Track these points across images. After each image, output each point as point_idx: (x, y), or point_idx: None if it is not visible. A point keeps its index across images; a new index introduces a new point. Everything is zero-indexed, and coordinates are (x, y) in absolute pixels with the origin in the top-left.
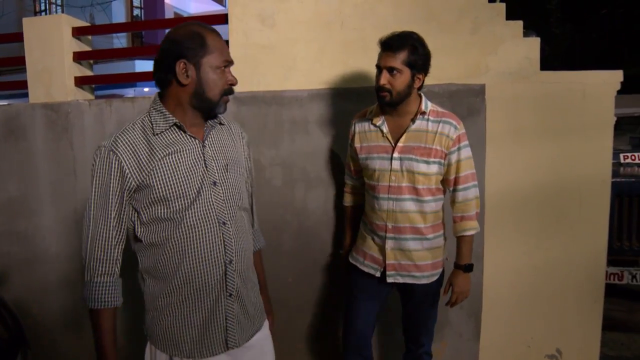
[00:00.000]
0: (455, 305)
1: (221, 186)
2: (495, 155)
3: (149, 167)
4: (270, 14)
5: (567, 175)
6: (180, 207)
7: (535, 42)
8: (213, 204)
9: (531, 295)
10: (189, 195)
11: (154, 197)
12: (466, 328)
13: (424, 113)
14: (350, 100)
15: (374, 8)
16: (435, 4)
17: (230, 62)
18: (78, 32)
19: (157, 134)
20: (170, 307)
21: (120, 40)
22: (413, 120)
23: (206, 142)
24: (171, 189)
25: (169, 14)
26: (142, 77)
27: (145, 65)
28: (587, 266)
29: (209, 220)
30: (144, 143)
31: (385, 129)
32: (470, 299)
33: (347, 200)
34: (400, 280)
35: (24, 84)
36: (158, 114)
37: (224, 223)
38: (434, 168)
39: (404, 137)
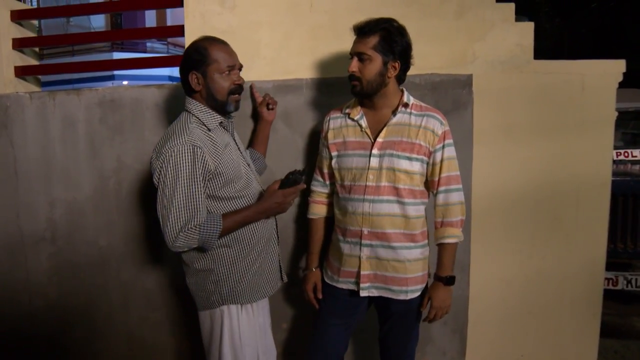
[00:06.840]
0: (435, 321)
1: (251, 166)
2: (483, 154)
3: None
4: None
5: (563, 176)
6: (241, 186)
7: (528, 27)
8: (253, 181)
9: (522, 309)
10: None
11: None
12: (450, 345)
13: (406, 105)
14: (321, 92)
15: None
16: None
17: (234, 66)
18: (18, 16)
19: (211, 130)
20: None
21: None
22: (394, 113)
23: (233, 133)
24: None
25: None
26: (96, 67)
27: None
28: (584, 276)
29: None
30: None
31: (364, 123)
32: (454, 313)
33: (315, 211)
34: (375, 293)
35: None
36: (204, 114)
37: (262, 191)
38: (416, 166)
39: (384, 131)
